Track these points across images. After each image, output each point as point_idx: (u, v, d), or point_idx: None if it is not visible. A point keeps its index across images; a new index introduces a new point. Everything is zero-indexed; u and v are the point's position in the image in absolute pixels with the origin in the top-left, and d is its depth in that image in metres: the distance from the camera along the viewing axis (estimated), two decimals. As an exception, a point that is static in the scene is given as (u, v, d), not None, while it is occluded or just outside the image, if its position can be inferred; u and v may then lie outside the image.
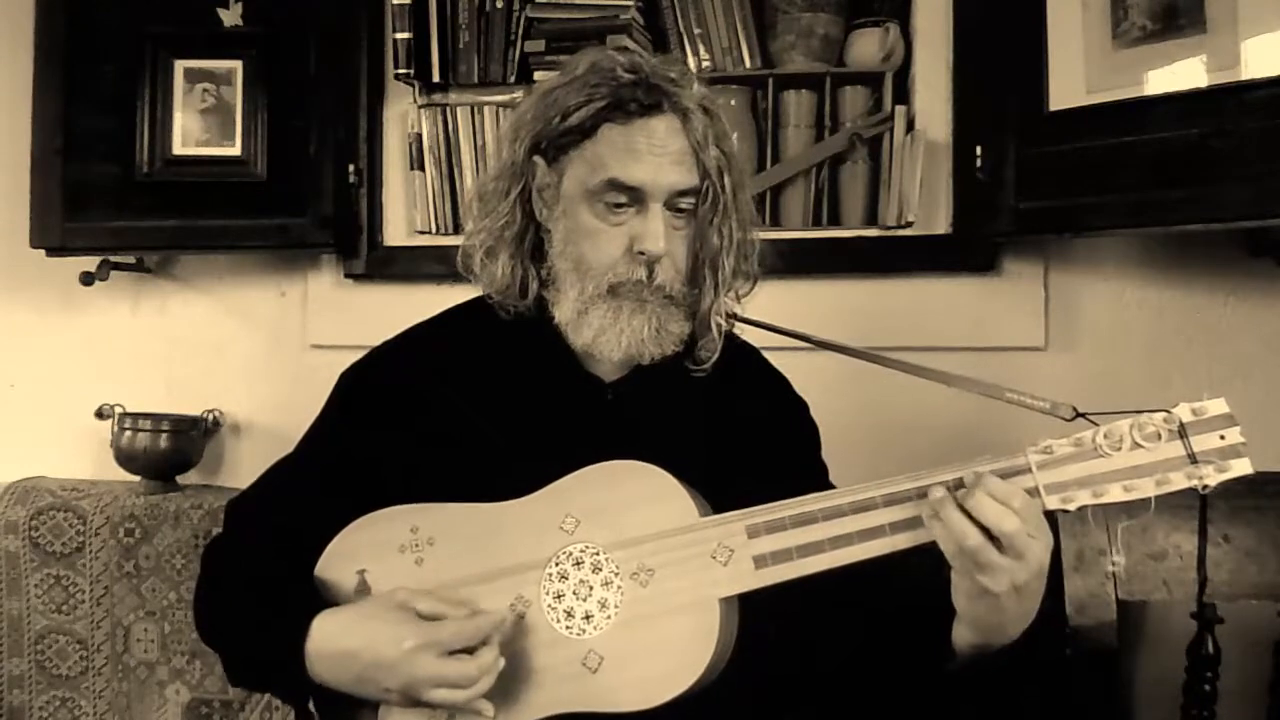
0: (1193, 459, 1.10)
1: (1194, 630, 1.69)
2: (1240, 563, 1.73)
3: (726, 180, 1.32)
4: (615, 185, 1.29)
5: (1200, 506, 1.18)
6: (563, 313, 1.34)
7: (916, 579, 1.22)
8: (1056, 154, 1.97)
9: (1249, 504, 1.74)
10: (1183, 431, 1.10)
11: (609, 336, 1.31)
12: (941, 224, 2.19)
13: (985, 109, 2.09)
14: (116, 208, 2.37)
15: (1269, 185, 1.70)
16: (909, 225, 2.18)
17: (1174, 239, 2.06)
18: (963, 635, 1.20)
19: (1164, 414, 1.11)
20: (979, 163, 2.08)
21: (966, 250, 2.15)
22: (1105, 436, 1.12)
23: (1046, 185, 1.98)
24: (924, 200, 2.17)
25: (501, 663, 1.20)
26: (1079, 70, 1.92)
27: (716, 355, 1.39)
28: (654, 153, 1.29)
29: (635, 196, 1.29)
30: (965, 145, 2.12)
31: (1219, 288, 2.07)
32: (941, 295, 2.17)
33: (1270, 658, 1.83)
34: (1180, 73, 1.80)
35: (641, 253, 1.29)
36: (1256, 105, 1.72)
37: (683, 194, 1.31)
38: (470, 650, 1.19)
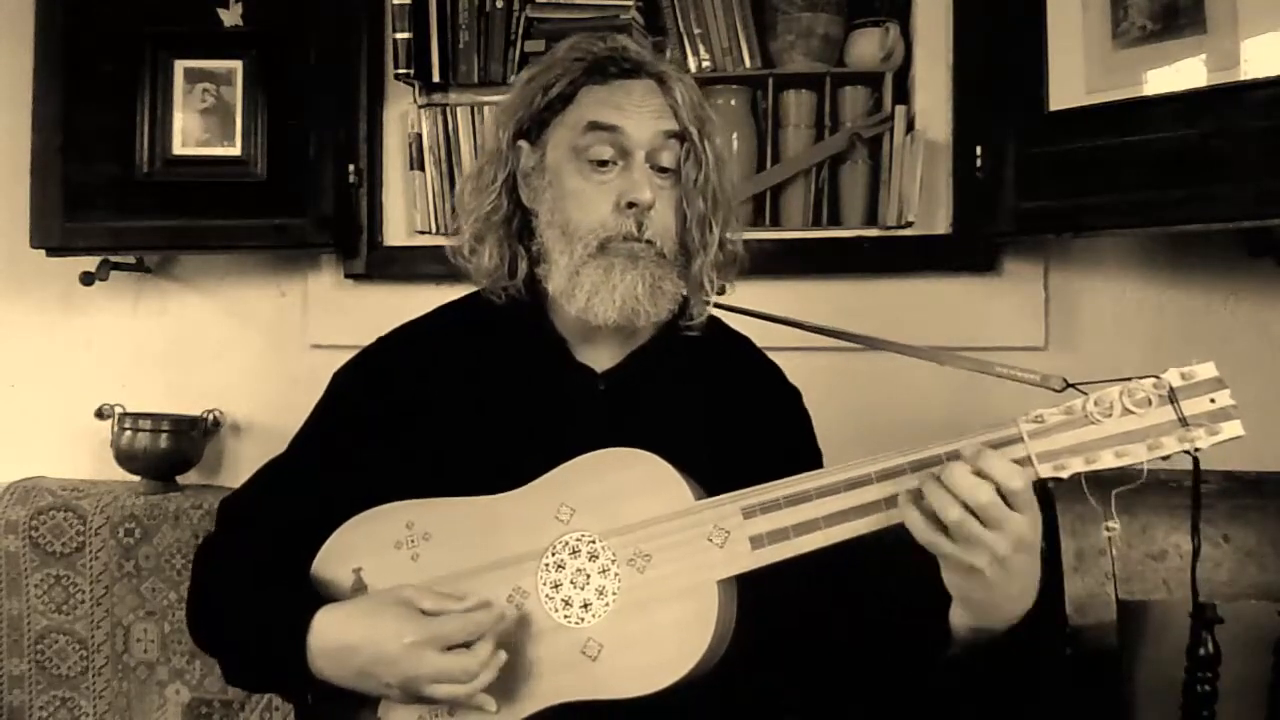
0: (1183, 423, 1.09)
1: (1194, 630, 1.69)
2: (1240, 563, 1.73)
3: (707, 145, 1.33)
4: (595, 126, 1.30)
5: (1194, 470, 1.17)
6: (555, 283, 1.33)
7: (909, 564, 1.22)
8: (1056, 154, 1.97)
9: (1249, 504, 1.73)
10: (1172, 396, 1.10)
11: (602, 295, 1.29)
12: (941, 224, 2.20)
13: (985, 109, 2.09)
14: (116, 208, 2.37)
15: (1269, 185, 1.70)
16: (909, 225, 2.18)
17: (1174, 239, 2.06)
18: (959, 617, 1.19)
19: (1153, 379, 1.11)
20: (979, 163, 2.08)
21: (966, 250, 2.15)
22: (1095, 404, 1.11)
23: (1046, 185, 1.98)
24: (924, 200, 2.18)
25: (503, 656, 1.20)
26: (1079, 70, 1.92)
27: (708, 314, 1.39)
28: (633, 104, 1.31)
29: (618, 147, 1.30)
30: (965, 145, 2.13)
31: (1219, 288, 2.07)
32: (941, 295, 2.17)
33: (1270, 658, 1.83)
34: (1180, 73, 1.80)
35: (631, 204, 1.29)
36: (1256, 105, 1.72)
37: (666, 138, 1.31)
38: (470, 645, 1.19)
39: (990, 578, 1.10)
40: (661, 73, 1.33)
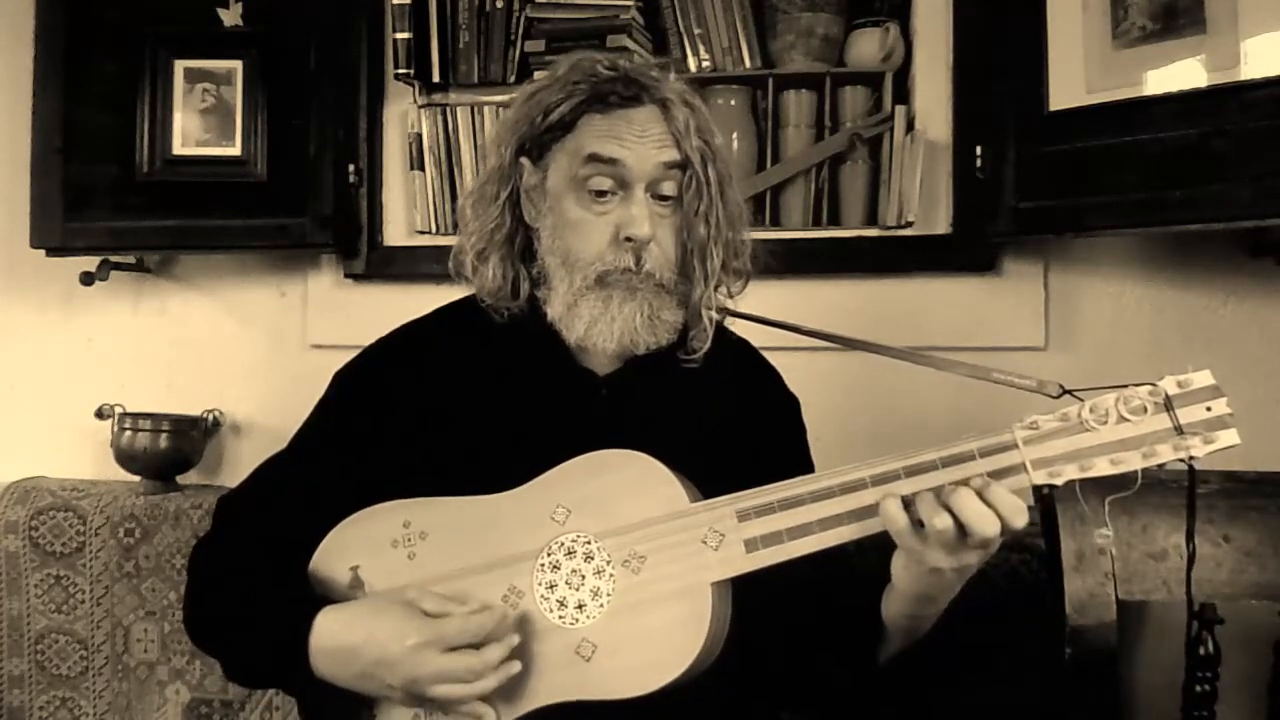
0: (1179, 431, 1.09)
1: (1194, 630, 1.69)
2: (1240, 563, 1.72)
3: (710, 171, 1.32)
4: (595, 159, 1.29)
5: (1189, 479, 1.17)
6: (555, 309, 1.34)
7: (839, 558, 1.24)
8: (1056, 154, 1.96)
9: (1249, 504, 1.73)
10: (1169, 404, 1.10)
11: (601, 327, 1.30)
12: (941, 224, 2.19)
13: (985, 109, 2.08)
14: (116, 208, 2.37)
15: (1269, 185, 1.70)
16: (909, 225, 2.18)
17: (1174, 239, 2.05)
18: (895, 607, 1.23)
19: (1149, 387, 1.11)
20: (979, 163, 2.08)
21: (966, 250, 2.14)
22: (1091, 411, 1.11)
23: (1046, 185, 1.98)
24: (924, 200, 2.17)
25: (516, 666, 1.20)
26: (1079, 70, 1.92)
27: (708, 346, 1.38)
28: (634, 135, 1.30)
29: (618, 179, 1.29)
30: (965, 145, 2.12)
31: (1219, 288, 2.06)
32: (941, 295, 2.17)
33: (1270, 658, 1.83)
34: (1180, 73, 1.80)
35: (629, 239, 1.29)
36: (1256, 105, 1.72)
37: (667, 169, 1.30)
38: (475, 647, 1.19)
39: (946, 576, 1.14)
40: (665, 99, 1.32)
